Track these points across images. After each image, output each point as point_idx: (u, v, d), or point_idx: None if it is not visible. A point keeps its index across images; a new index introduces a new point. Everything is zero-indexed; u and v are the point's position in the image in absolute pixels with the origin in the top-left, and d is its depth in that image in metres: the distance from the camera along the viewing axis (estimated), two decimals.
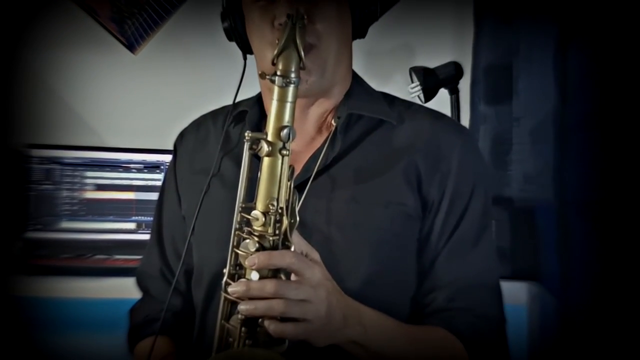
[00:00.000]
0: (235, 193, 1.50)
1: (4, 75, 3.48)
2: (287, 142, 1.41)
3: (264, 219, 1.40)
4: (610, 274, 2.58)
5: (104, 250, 3.19)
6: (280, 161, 1.41)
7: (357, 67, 1.87)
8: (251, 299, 1.36)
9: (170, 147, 2.02)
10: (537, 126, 3.06)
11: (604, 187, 2.65)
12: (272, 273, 1.39)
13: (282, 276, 1.39)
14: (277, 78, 1.42)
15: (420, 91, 3.20)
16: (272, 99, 1.43)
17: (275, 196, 1.41)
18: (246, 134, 1.44)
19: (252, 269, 1.37)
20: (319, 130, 1.80)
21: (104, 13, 3.60)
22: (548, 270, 2.91)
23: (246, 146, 1.45)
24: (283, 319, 1.36)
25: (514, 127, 3.15)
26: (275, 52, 1.43)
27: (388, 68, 3.49)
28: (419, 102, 3.15)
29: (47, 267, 2.93)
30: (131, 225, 3.30)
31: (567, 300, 2.80)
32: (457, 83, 3.27)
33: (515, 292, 2.85)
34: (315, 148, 1.76)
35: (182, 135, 2.02)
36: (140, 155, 3.35)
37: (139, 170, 3.32)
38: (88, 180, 3.29)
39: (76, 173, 3.28)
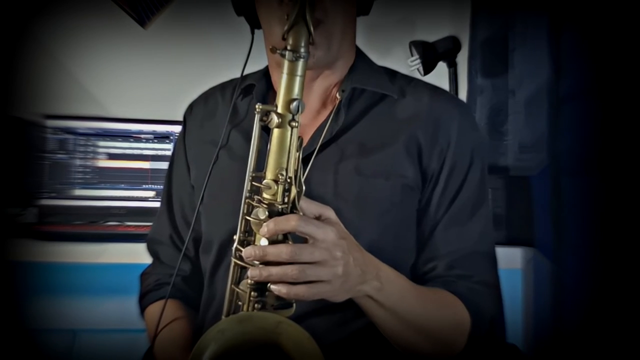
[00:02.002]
0: (242, 164, 1.50)
1: (19, 49, 3.49)
2: (296, 114, 1.41)
3: (275, 188, 1.40)
4: (602, 239, 2.59)
5: (115, 217, 3.21)
6: (289, 132, 1.42)
7: (359, 41, 1.87)
8: (265, 264, 1.37)
9: (179, 118, 2.02)
10: (531, 97, 3.06)
11: (596, 155, 2.65)
12: (283, 238, 1.39)
13: (290, 241, 1.39)
14: (287, 52, 1.42)
15: (420, 64, 3.20)
16: (281, 72, 1.43)
17: (284, 166, 1.41)
18: (257, 106, 1.44)
19: (265, 237, 1.38)
20: (324, 104, 1.80)
21: None
22: (542, 236, 2.92)
23: (257, 118, 1.45)
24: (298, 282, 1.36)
25: (510, 98, 3.14)
26: (286, 27, 1.43)
27: (388, 42, 3.49)
28: (418, 74, 3.16)
29: (61, 233, 2.93)
30: (142, 193, 3.31)
31: (561, 265, 2.81)
32: (455, 56, 3.28)
33: (510, 257, 2.86)
34: (320, 121, 1.76)
35: (191, 107, 2.01)
36: (151, 126, 3.35)
37: (149, 140, 3.33)
38: (100, 150, 3.30)
39: (89, 143, 3.28)
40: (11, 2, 3.47)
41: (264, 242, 1.38)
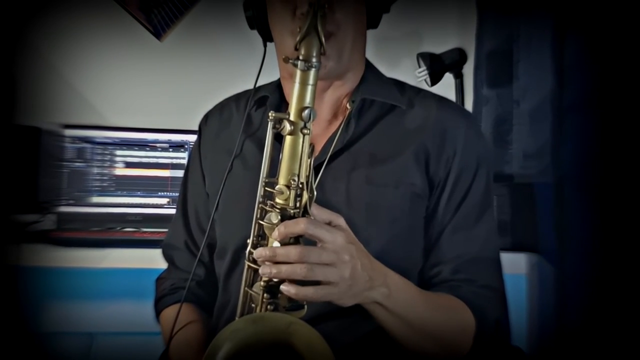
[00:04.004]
0: (256, 173, 1.51)
1: (43, 63, 3.52)
2: (308, 121, 1.42)
3: (288, 193, 1.41)
4: (604, 245, 2.59)
5: (132, 224, 3.23)
6: (301, 139, 1.43)
7: (368, 53, 1.87)
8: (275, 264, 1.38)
9: (194, 128, 2.02)
10: (535, 108, 3.06)
11: (598, 163, 2.65)
12: (294, 241, 1.40)
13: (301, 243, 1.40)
14: (299, 62, 1.43)
15: (427, 75, 3.21)
16: (293, 82, 1.45)
17: (296, 172, 1.42)
18: (270, 114, 1.44)
19: (276, 240, 1.38)
20: (335, 115, 1.80)
21: (132, 2, 3.63)
22: (546, 242, 2.92)
23: (270, 125, 1.46)
24: (307, 282, 1.37)
25: (514, 108, 3.15)
26: (298, 38, 1.44)
27: (397, 53, 3.49)
28: (425, 85, 3.17)
29: (78, 239, 2.94)
30: (158, 200, 3.32)
31: (564, 270, 2.81)
32: (461, 68, 3.29)
33: (515, 263, 2.87)
34: (331, 131, 1.76)
35: (206, 117, 2.01)
36: (166, 135, 3.37)
37: (165, 149, 3.34)
38: (117, 158, 3.31)
39: (106, 152, 3.30)
40: (16, 10, 3.50)
41: (276, 244, 1.39)
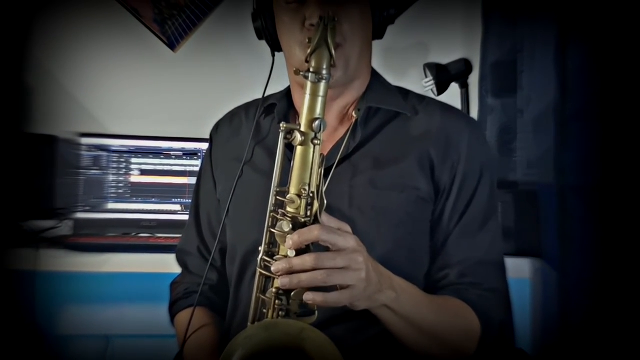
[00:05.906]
0: (265, 178, 1.52)
1: (56, 73, 3.52)
2: (318, 132, 1.42)
3: (299, 202, 1.40)
4: (605, 250, 2.58)
5: (147, 229, 3.23)
6: (312, 150, 1.42)
7: (376, 63, 1.87)
8: (292, 273, 1.37)
9: (206, 136, 2.02)
10: (539, 117, 3.06)
11: (599, 171, 2.65)
12: (305, 248, 1.39)
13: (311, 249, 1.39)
14: (310, 75, 1.42)
15: (434, 85, 3.20)
16: (304, 93, 1.44)
17: (307, 182, 1.41)
18: (281, 125, 1.44)
19: (290, 249, 1.37)
20: (341, 122, 1.80)
21: (147, 15, 3.64)
22: (549, 247, 2.91)
23: (281, 136, 1.45)
24: (326, 289, 1.36)
25: (518, 117, 3.15)
26: (309, 51, 1.43)
27: (404, 64, 3.49)
28: (432, 95, 3.16)
29: (95, 245, 2.94)
30: (172, 207, 3.32)
31: (567, 275, 2.80)
32: (467, 78, 3.27)
33: (519, 268, 2.86)
34: (338, 138, 1.76)
35: (217, 126, 2.01)
36: (180, 144, 3.37)
37: (179, 157, 3.34)
38: (133, 166, 3.31)
39: (122, 159, 3.30)
40: (29, 19, 3.51)
41: (291, 252, 1.38)
